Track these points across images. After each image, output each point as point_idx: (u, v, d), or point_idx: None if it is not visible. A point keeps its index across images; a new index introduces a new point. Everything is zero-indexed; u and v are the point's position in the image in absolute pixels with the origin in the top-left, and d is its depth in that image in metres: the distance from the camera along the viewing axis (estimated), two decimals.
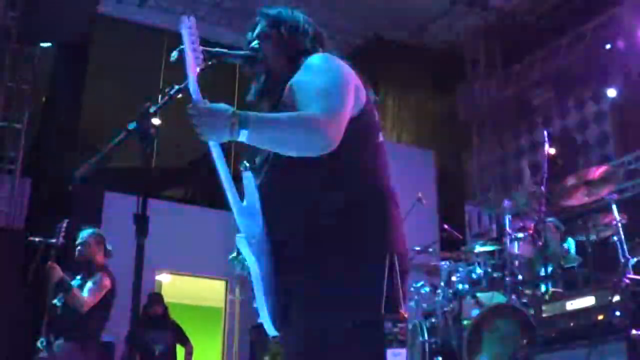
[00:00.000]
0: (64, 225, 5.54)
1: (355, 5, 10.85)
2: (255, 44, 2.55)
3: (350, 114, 2.29)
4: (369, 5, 10.79)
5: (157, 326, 8.20)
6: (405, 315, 2.31)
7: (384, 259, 2.26)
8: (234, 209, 2.28)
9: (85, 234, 5.81)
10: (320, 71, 2.35)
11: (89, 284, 5.52)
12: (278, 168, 2.29)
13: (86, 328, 5.52)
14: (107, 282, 5.59)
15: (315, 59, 2.42)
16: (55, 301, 5.50)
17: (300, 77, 2.37)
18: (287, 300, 2.27)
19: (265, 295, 2.24)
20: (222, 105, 2.17)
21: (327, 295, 2.23)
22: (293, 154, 2.22)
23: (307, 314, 2.25)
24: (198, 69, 2.25)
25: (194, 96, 2.19)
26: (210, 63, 2.34)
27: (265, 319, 2.27)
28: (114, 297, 5.67)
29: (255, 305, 2.28)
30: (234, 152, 6.04)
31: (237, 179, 2.30)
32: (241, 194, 2.31)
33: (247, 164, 2.33)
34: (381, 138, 2.47)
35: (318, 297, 2.24)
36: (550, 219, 6.02)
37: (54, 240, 5.46)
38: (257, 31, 2.58)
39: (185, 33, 2.24)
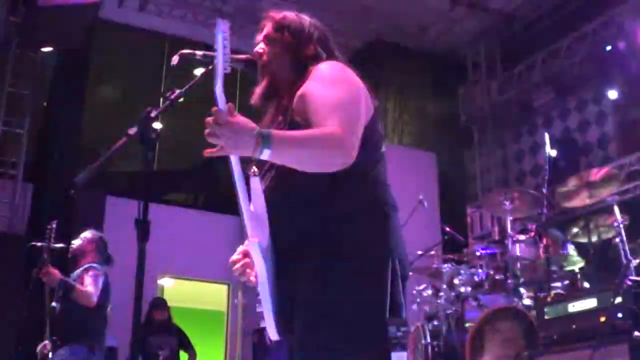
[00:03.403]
0: (54, 226, 5.55)
1: (355, 8, 10.86)
2: (259, 47, 2.55)
3: (363, 124, 2.30)
4: (369, 7, 10.81)
5: (161, 331, 8.20)
6: (407, 320, 2.31)
7: (386, 264, 2.27)
8: (244, 214, 2.28)
9: (86, 232, 5.85)
10: (333, 82, 2.34)
11: (86, 279, 5.53)
12: (283, 173, 2.28)
13: (90, 328, 5.53)
14: (100, 276, 5.59)
15: (326, 68, 2.41)
16: (53, 303, 5.51)
17: (312, 88, 2.35)
18: (291, 306, 2.28)
19: (270, 300, 2.24)
20: (247, 122, 2.12)
21: (330, 301, 2.23)
22: (313, 170, 2.22)
23: (310, 320, 2.25)
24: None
25: (220, 105, 2.12)
26: (211, 67, 2.31)
27: (269, 323, 2.27)
28: (110, 292, 5.68)
29: (259, 309, 2.29)
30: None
31: (246, 182, 2.30)
32: (250, 198, 2.31)
33: (255, 169, 2.32)
34: (383, 147, 2.47)
35: (321, 303, 2.24)
36: (549, 229, 6.01)
37: (45, 243, 5.47)
38: (262, 34, 2.58)
39: (219, 37, 2.21)
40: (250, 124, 2.12)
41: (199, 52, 2.37)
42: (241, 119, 2.11)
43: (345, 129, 2.20)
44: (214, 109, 2.10)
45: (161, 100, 2.35)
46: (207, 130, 2.08)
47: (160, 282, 10.51)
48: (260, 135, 2.09)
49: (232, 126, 2.08)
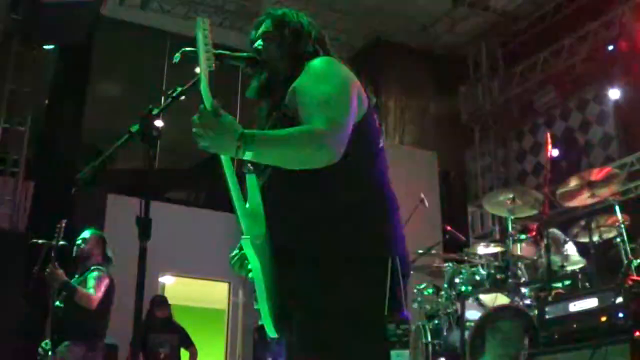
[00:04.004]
0: (63, 225, 5.56)
1: (357, 7, 10.86)
2: (258, 44, 2.54)
3: (353, 122, 2.29)
4: (370, 7, 10.80)
5: (162, 329, 8.20)
6: (408, 317, 2.31)
7: (386, 262, 2.26)
8: (238, 211, 2.28)
9: (87, 233, 5.84)
10: (323, 78, 2.34)
11: (90, 281, 5.53)
12: (280, 171, 2.28)
13: (90, 328, 5.53)
14: (105, 279, 5.61)
15: (318, 64, 2.41)
16: (57, 303, 5.52)
17: (303, 83, 2.35)
18: (289, 303, 2.27)
19: (267, 297, 2.23)
20: (231, 122, 2.11)
21: (330, 298, 2.23)
22: (298, 168, 2.22)
23: (310, 318, 2.25)
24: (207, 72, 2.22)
25: (205, 102, 2.13)
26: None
27: (266, 320, 2.27)
28: (113, 295, 5.69)
29: (256, 307, 2.28)
30: None
31: (240, 179, 2.29)
32: (245, 196, 2.31)
33: (251, 166, 2.32)
34: (382, 143, 2.47)
35: (320, 300, 2.24)
36: (550, 230, 6.00)
37: (54, 242, 5.48)
38: (260, 31, 2.57)
39: (199, 35, 2.21)
40: (235, 124, 2.11)
41: None
42: (226, 119, 2.10)
43: (331, 126, 2.19)
44: (200, 107, 2.11)
45: (163, 98, 2.35)
46: (193, 129, 2.09)
47: (162, 280, 10.51)
48: (242, 137, 2.09)
49: (215, 126, 2.08)
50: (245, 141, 2.08)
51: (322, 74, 2.35)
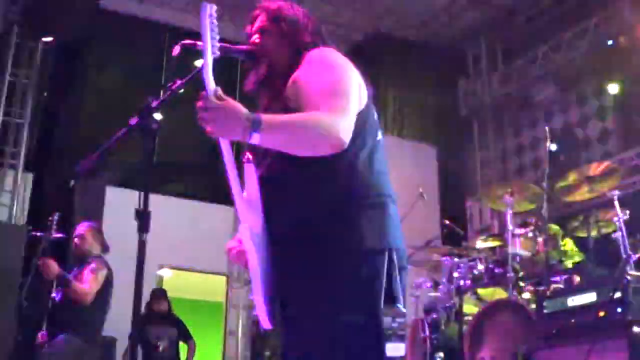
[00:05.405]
0: (56, 218, 5.56)
1: (356, 1, 10.84)
2: (254, 38, 2.54)
3: (356, 110, 2.29)
4: (370, 0, 10.78)
5: (161, 322, 8.20)
6: (404, 311, 2.31)
7: (383, 255, 2.26)
8: (236, 199, 2.28)
9: (81, 227, 5.84)
10: (325, 67, 2.34)
11: (85, 275, 5.53)
12: (278, 161, 2.28)
13: (86, 320, 5.53)
14: (103, 271, 5.60)
15: (317, 54, 2.41)
16: (53, 295, 5.52)
17: (304, 73, 2.35)
18: (285, 295, 2.27)
19: (262, 288, 2.23)
20: (236, 106, 2.11)
21: (326, 290, 2.23)
22: (304, 154, 2.22)
23: (306, 309, 2.25)
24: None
25: (208, 87, 2.13)
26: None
27: (261, 311, 2.26)
28: (111, 286, 5.69)
29: (251, 296, 2.28)
30: (236, 142, 6.05)
31: (239, 169, 2.29)
32: (243, 185, 2.31)
33: (249, 155, 2.32)
34: (380, 135, 2.47)
35: (316, 292, 2.24)
36: (549, 224, 6.00)
37: (47, 235, 5.48)
38: (257, 25, 2.57)
39: (205, 21, 2.20)
40: (240, 107, 2.11)
41: (200, 43, 2.37)
42: (230, 102, 2.10)
43: (336, 113, 2.20)
44: (203, 93, 2.10)
45: (162, 90, 2.34)
46: (198, 115, 2.09)
47: (160, 273, 10.51)
48: (249, 119, 2.09)
49: (220, 110, 2.08)
50: (251, 124, 2.09)
51: (323, 64, 2.36)
